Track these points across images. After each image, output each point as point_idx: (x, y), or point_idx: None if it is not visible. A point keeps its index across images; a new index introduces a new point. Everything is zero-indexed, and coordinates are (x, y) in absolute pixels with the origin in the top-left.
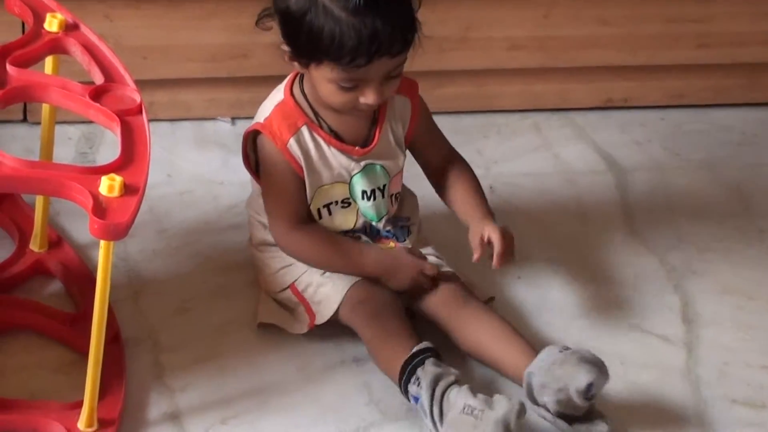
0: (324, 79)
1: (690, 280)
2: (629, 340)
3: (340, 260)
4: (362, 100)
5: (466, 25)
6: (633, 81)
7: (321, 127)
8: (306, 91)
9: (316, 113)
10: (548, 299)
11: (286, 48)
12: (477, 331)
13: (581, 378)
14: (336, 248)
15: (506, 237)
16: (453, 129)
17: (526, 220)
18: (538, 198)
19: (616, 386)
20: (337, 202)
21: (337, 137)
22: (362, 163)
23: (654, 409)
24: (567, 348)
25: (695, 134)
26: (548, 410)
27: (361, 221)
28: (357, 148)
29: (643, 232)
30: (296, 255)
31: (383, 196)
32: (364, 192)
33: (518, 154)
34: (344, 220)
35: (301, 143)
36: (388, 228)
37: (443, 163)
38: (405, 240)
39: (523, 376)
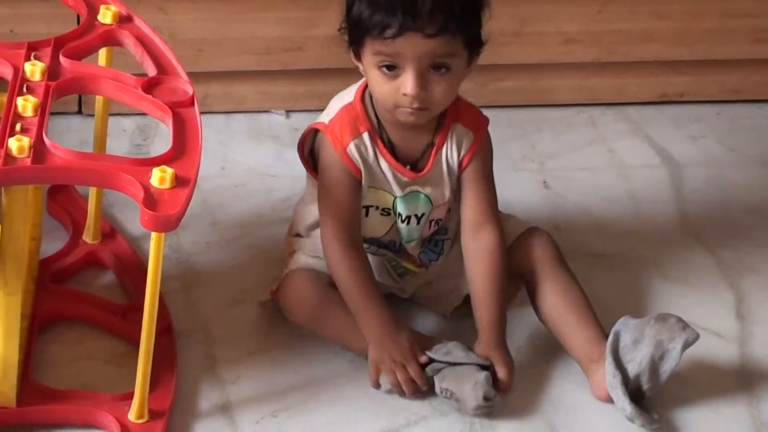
0: (368, 66)
1: (744, 277)
2: None
3: (357, 299)
4: (402, 90)
5: (521, 19)
6: (689, 76)
7: (381, 138)
8: (373, 99)
9: (379, 123)
10: (601, 294)
11: (345, 38)
12: (554, 305)
13: (689, 332)
14: (364, 291)
15: (510, 366)
16: (507, 123)
17: (580, 215)
18: (591, 192)
19: (667, 382)
20: (378, 207)
21: (393, 153)
22: (407, 189)
23: (706, 406)
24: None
25: (751, 130)
26: (626, 374)
27: (391, 235)
28: (408, 169)
29: (698, 228)
30: (333, 272)
31: (418, 223)
32: (400, 215)
33: (572, 148)
34: (377, 226)
35: (360, 149)
36: (415, 250)
37: (478, 221)
38: (436, 259)
39: (610, 333)
